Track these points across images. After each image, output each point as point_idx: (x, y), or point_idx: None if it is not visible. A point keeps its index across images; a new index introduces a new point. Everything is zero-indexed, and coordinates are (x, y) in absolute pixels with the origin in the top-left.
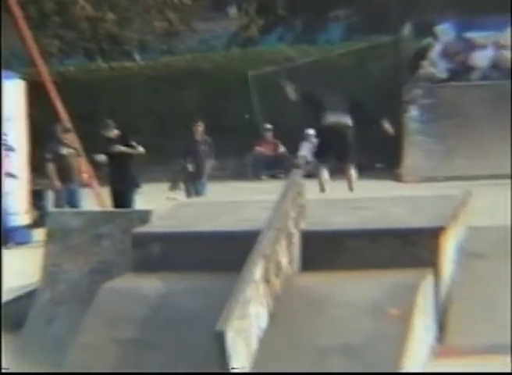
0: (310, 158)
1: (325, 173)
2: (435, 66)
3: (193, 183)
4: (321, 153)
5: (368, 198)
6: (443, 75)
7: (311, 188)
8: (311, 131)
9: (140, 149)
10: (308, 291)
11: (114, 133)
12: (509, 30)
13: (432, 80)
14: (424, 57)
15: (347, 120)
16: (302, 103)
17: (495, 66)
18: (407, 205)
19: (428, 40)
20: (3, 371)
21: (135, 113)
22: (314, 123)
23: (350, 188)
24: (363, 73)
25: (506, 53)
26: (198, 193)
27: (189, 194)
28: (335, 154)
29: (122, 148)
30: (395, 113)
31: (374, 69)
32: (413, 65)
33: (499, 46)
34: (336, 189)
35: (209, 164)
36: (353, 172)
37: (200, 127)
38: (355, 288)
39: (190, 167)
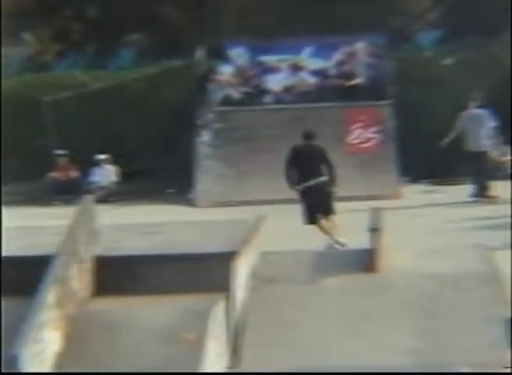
0: (103, 183)
1: None
2: (228, 89)
3: None
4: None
5: (160, 222)
6: (237, 99)
7: (103, 213)
8: (103, 156)
9: None
10: (102, 316)
11: None
12: (305, 52)
13: (226, 103)
14: (216, 81)
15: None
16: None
17: (289, 89)
18: (199, 229)
19: (219, 63)
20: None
21: None
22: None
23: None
24: (156, 97)
25: (303, 76)
26: None
27: None
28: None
29: None
30: (189, 138)
31: (167, 94)
32: (203, 88)
33: (295, 69)
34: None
35: None
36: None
37: None
38: (148, 313)
39: None
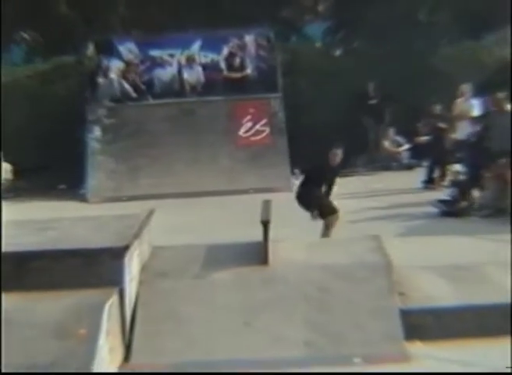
0: None
1: None
2: (116, 84)
3: None
4: None
5: (51, 218)
6: (127, 94)
7: None
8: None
9: None
10: None
11: None
12: (195, 46)
13: (116, 99)
14: (106, 76)
15: None
16: None
17: (179, 83)
18: (90, 225)
19: (109, 58)
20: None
21: None
22: None
23: None
24: (49, 93)
25: (193, 69)
26: None
27: None
28: None
29: None
30: (80, 133)
31: (59, 90)
32: (93, 84)
33: (185, 63)
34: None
35: None
36: None
37: None
38: (41, 308)
39: None
